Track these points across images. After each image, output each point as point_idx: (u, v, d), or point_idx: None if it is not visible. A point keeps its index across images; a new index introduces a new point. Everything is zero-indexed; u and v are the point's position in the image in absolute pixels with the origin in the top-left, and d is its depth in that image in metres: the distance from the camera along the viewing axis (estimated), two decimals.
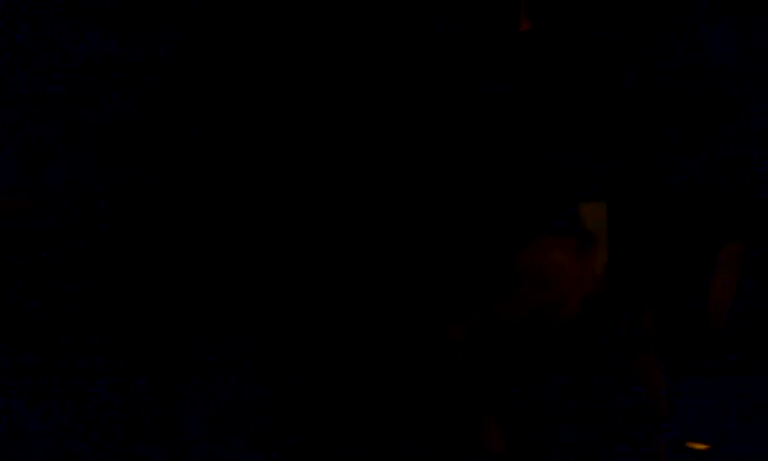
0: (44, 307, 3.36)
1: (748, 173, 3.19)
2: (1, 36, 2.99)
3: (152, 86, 3.06)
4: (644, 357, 3.00)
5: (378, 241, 3.07)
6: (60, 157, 3.12)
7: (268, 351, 3.04)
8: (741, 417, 3.31)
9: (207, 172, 3.19)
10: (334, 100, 3.11)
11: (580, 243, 3.01)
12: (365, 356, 2.98)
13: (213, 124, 3.13)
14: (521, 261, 2.91)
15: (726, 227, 3.23)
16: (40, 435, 3.35)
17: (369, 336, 2.98)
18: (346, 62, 3.09)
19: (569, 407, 2.91)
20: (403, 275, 3.07)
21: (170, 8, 2.95)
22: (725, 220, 3.24)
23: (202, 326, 3.18)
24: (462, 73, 3.13)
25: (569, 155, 3.18)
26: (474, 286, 2.87)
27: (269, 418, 2.99)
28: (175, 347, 3.19)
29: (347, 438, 2.92)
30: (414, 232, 3.08)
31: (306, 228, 3.15)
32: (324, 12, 3.10)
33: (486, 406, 2.79)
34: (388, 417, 2.89)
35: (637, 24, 3.25)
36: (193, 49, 3.02)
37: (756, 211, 3.20)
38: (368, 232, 3.05)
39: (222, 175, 3.20)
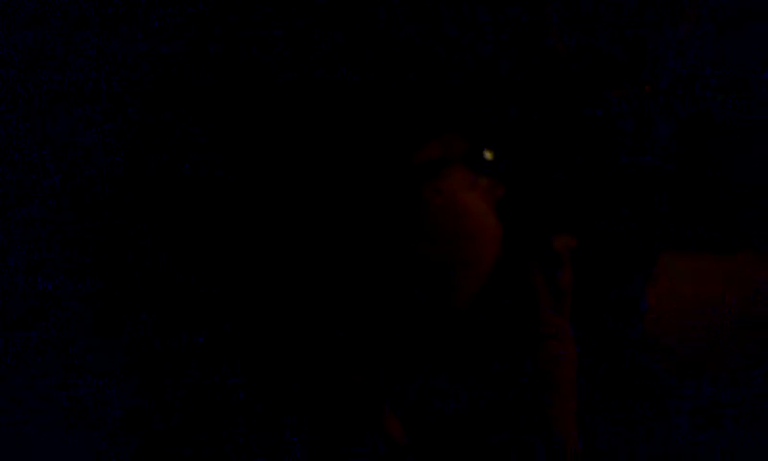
0: None
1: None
2: (9, 37, 2.71)
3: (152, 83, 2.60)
4: (561, 321, 2.38)
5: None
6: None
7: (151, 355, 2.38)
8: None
9: None
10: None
11: (491, 184, 2.32)
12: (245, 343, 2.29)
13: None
14: (429, 204, 2.25)
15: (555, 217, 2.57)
16: None
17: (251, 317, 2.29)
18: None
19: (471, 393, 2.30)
20: (287, 236, 2.31)
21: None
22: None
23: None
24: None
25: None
26: (372, 234, 2.25)
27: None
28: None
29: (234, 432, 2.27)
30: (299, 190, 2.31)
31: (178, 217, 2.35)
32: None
33: (383, 394, 2.32)
34: (279, 410, 2.29)
35: None
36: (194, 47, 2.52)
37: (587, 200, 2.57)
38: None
39: None
